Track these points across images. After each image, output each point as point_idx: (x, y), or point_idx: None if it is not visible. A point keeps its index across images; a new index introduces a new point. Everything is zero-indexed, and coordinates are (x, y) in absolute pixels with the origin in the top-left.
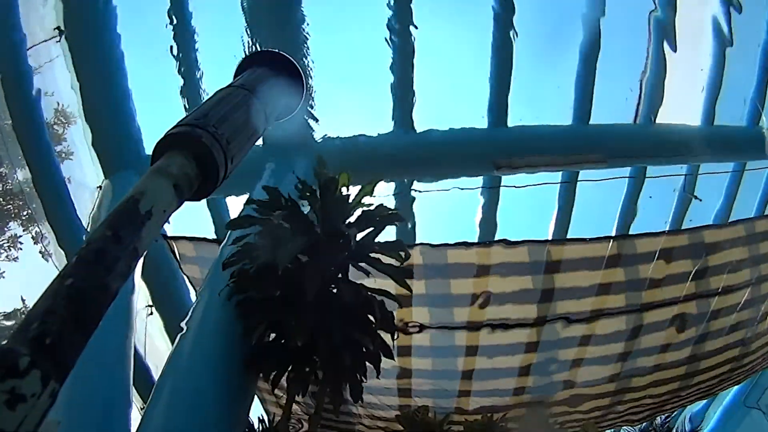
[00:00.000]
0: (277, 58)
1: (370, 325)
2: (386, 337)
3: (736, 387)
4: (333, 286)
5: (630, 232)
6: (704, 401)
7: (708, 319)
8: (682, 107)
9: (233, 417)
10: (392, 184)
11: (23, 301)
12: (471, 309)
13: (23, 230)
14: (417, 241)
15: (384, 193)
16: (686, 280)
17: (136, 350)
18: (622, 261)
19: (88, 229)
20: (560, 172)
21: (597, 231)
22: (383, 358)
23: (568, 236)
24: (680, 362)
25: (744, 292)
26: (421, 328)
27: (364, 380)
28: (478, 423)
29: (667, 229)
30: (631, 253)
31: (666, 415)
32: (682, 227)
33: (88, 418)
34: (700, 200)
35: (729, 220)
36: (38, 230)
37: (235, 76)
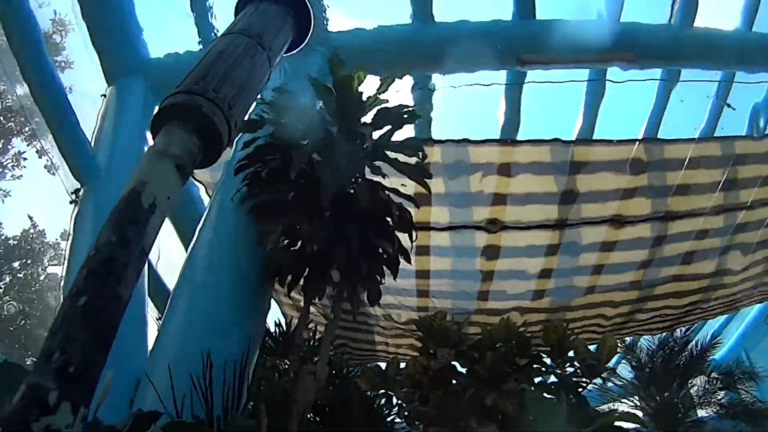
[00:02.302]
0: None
1: (387, 227)
2: (404, 237)
3: (758, 305)
4: (349, 187)
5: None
6: (725, 316)
7: (733, 232)
8: (721, 10)
9: (250, 323)
10: (411, 79)
11: (30, 219)
12: (491, 209)
13: (27, 145)
14: (436, 138)
15: (402, 89)
16: (714, 191)
17: (148, 260)
18: (649, 166)
19: (94, 140)
20: (587, 70)
21: (624, 134)
22: (401, 260)
23: (594, 138)
24: (703, 275)
25: None
26: (444, 229)
27: (382, 282)
28: (496, 328)
29: (697, 136)
30: (658, 159)
31: (686, 327)
32: (714, 135)
33: None
34: (734, 109)
35: (765, 132)
36: (41, 145)
37: (236, 11)
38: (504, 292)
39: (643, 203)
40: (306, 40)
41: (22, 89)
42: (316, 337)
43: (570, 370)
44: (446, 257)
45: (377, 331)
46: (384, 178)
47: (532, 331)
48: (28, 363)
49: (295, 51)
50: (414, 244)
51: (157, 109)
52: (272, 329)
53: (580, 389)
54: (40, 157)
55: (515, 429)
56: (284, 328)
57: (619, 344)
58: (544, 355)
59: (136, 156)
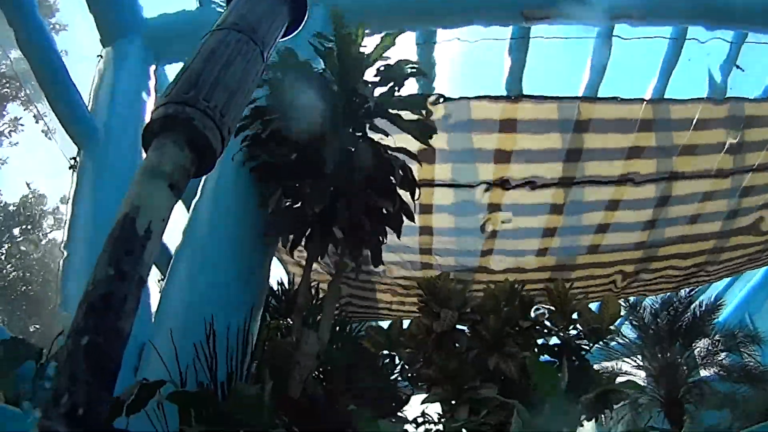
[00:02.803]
0: None
1: (390, 186)
2: (407, 195)
3: (763, 268)
4: (351, 147)
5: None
6: (730, 278)
7: (740, 195)
8: None
9: (253, 286)
10: (414, 35)
11: (28, 186)
12: (495, 166)
13: (24, 110)
14: (439, 94)
15: (405, 44)
16: (720, 152)
17: None
18: (656, 126)
19: (91, 103)
20: (595, 27)
21: (631, 93)
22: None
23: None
24: (708, 237)
25: None
26: (447, 186)
27: (384, 242)
28: (499, 288)
29: (705, 96)
30: (665, 119)
31: (690, 288)
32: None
33: None
34: (743, 70)
35: None
36: (38, 111)
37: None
38: (508, 250)
39: (648, 163)
40: (302, 25)
41: (16, 53)
42: (320, 295)
43: (573, 332)
44: (450, 215)
45: (380, 288)
46: (387, 136)
47: (535, 290)
48: (31, 330)
49: (290, 36)
50: (417, 201)
51: (147, 120)
52: (275, 287)
53: (583, 352)
54: (37, 122)
55: (517, 391)
56: (287, 286)
57: (623, 304)
58: (547, 316)
59: (134, 118)
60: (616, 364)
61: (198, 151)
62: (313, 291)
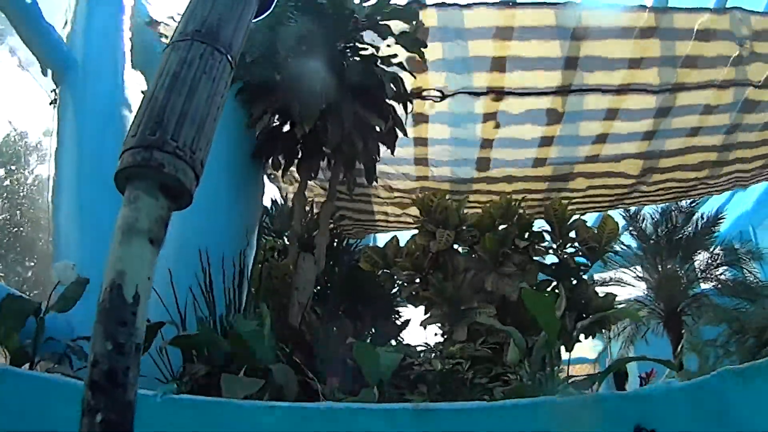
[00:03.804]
0: None
1: (381, 101)
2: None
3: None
4: (341, 62)
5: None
6: (731, 192)
7: (742, 110)
8: None
9: (245, 211)
10: None
11: (10, 123)
12: (491, 74)
13: None
14: (432, 2)
15: None
16: (725, 65)
17: None
18: (658, 34)
19: (66, 34)
20: None
21: (632, 1)
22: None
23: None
24: (710, 149)
25: None
26: (442, 96)
27: (378, 159)
28: (495, 206)
29: (711, 6)
30: (668, 27)
31: (691, 200)
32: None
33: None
34: None
35: None
36: (11, 45)
37: None
38: (504, 159)
39: (649, 73)
40: (272, 6)
41: None
42: (314, 211)
43: (571, 250)
44: (445, 125)
45: (376, 201)
46: (377, 51)
47: (533, 203)
48: (26, 271)
49: (260, 18)
50: (411, 112)
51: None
52: (269, 206)
53: (581, 272)
54: (12, 55)
55: (516, 311)
56: (281, 203)
57: (622, 213)
58: (545, 236)
59: (112, 48)
60: (615, 273)
61: (173, 195)
62: (307, 208)
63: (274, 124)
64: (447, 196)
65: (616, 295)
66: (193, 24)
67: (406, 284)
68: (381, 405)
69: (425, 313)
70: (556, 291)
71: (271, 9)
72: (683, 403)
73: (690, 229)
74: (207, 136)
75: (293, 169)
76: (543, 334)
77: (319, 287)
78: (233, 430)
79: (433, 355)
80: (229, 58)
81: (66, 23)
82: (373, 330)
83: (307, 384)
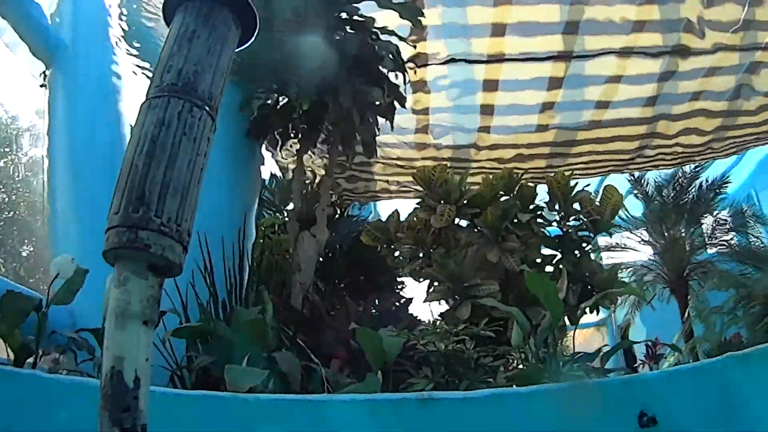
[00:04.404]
0: None
1: (379, 73)
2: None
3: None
4: (336, 35)
5: None
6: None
7: (746, 71)
8: None
9: (245, 185)
10: None
11: (2, 106)
12: (491, 40)
13: None
14: None
15: None
16: (729, 30)
17: None
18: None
19: (51, 16)
20: None
21: None
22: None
23: None
24: (715, 113)
25: None
26: (443, 62)
27: (377, 134)
28: (498, 178)
29: None
30: None
31: (696, 165)
32: None
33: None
34: None
35: None
36: None
37: (164, 15)
38: (506, 126)
39: (653, 37)
40: (254, 35)
41: None
42: (315, 181)
43: (574, 223)
44: (445, 92)
45: (376, 170)
46: (374, 21)
47: (536, 167)
48: (24, 254)
49: (242, 48)
50: (410, 81)
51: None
52: (268, 179)
53: (584, 244)
54: None
55: (519, 285)
56: (280, 177)
57: (628, 177)
58: (547, 209)
59: (100, 25)
60: (621, 239)
61: (162, 271)
62: (307, 181)
63: (270, 102)
64: (448, 166)
65: (620, 268)
66: (169, 76)
67: (408, 260)
68: (386, 395)
69: (428, 289)
70: (560, 267)
71: (254, 37)
72: (686, 388)
73: (694, 191)
74: (192, 205)
75: (293, 143)
76: (547, 316)
77: (322, 260)
78: (237, 424)
79: (437, 332)
80: (210, 111)
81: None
82: (378, 304)
83: (311, 368)
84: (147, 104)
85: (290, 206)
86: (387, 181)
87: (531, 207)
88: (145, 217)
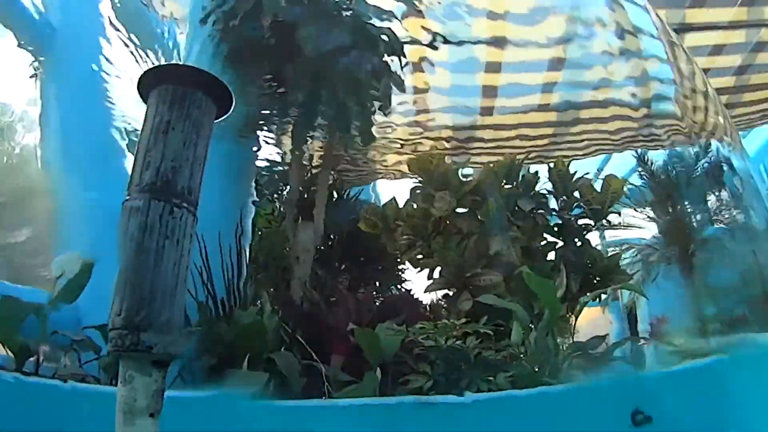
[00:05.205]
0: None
1: (376, 59)
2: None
3: None
4: (332, 19)
5: None
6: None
7: (753, 50)
8: None
9: (240, 177)
10: None
11: None
12: (490, 22)
13: None
14: None
15: None
16: (734, 5)
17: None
18: None
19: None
20: None
21: None
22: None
23: None
24: (720, 91)
25: None
26: (441, 42)
27: (374, 123)
28: (499, 165)
29: None
30: None
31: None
32: None
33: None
34: None
35: None
36: None
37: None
38: (507, 106)
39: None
40: (231, 109)
41: None
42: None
43: (575, 212)
44: (445, 71)
45: (375, 152)
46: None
47: (537, 146)
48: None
49: (220, 120)
50: (408, 63)
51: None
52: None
53: (585, 232)
54: None
55: (519, 275)
56: (276, 164)
57: (633, 154)
58: (548, 197)
59: (90, 9)
60: (624, 217)
61: (165, 364)
62: (306, 162)
63: (265, 91)
64: (446, 150)
65: (621, 256)
66: (148, 175)
67: (408, 248)
68: (383, 399)
69: (428, 278)
70: (561, 255)
71: (231, 110)
72: (681, 387)
73: (700, 168)
74: (180, 301)
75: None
76: (547, 312)
77: (321, 247)
78: (236, 428)
79: (438, 328)
80: (189, 207)
81: None
82: (378, 292)
83: (311, 365)
84: (128, 204)
85: (288, 195)
86: (384, 161)
87: (532, 194)
88: (145, 320)
